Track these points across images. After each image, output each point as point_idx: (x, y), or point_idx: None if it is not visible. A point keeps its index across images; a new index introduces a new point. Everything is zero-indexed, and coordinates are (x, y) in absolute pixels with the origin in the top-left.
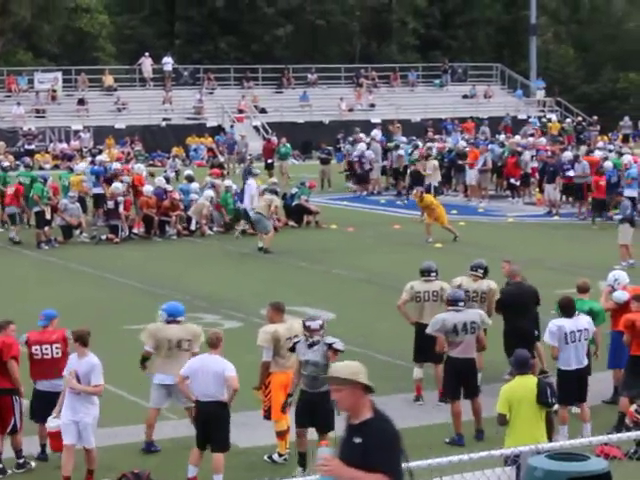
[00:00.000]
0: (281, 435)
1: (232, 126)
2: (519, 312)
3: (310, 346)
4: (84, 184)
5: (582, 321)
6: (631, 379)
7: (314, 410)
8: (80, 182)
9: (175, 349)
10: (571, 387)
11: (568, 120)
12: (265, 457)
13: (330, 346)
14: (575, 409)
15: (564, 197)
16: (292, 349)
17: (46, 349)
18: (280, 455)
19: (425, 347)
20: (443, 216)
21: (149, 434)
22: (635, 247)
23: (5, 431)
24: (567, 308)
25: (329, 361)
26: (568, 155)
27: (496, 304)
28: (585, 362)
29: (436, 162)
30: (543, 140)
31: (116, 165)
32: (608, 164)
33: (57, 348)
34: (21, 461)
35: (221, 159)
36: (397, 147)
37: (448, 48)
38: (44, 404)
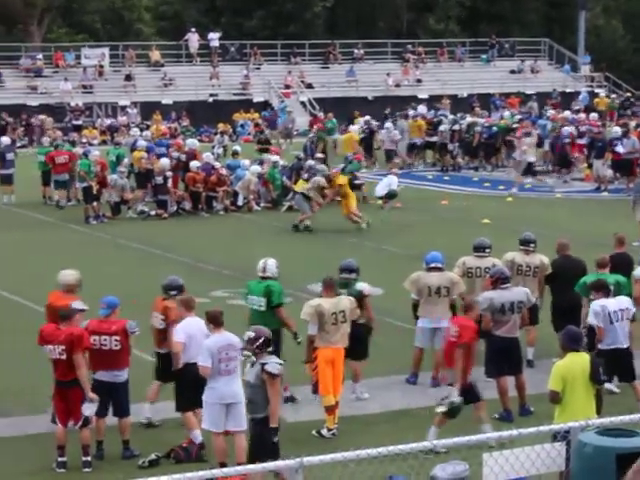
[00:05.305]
0: (329, 410)
1: (282, 101)
2: (568, 285)
3: (252, 365)
4: (143, 160)
5: (623, 301)
6: None
7: (257, 442)
8: (140, 158)
9: (435, 295)
10: (611, 364)
11: (613, 96)
12: (313, 432)
13: (262, 367)
14: (610, 386)
15: (614, 173)
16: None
17: (104, 340)
18: (329, 430)
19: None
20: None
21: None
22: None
23: (77, 424)
24: (602, 288)
25: (265, 385)
26: (617, 131)
27: (545, 277)
28: (627, 343)
29: (533, 139)
30: (595, 115)
31: (141, 143)
32: None
33: (116, 340)
34: (88, 459)
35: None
36: (440, 122)
37: (496, 22)
38: (101, 394)
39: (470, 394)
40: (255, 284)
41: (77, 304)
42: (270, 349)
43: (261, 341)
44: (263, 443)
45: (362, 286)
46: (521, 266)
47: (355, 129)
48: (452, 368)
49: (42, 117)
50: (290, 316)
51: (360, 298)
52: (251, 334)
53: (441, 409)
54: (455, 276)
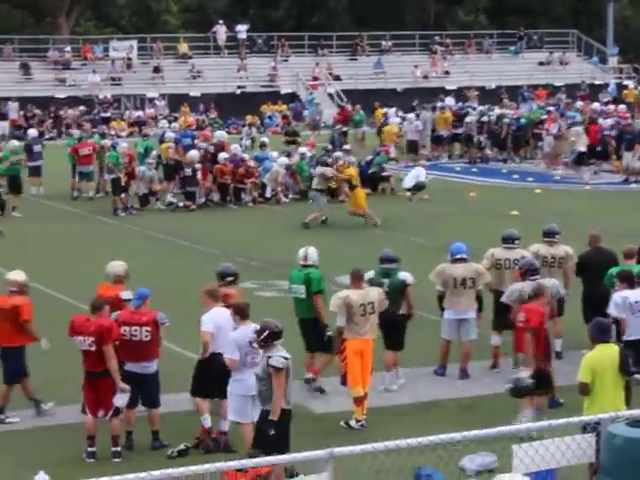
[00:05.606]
0: (358, 401)
1: (311, 93)
2: (599, 277)
3: (261, 357)
4: (170, 150)
5: None
6: None
7: (259, 434)
8: (166, 149)
9: (460, 287)
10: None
11: None
12: (342, 423)
13: (268, 360)
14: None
15: None
16: None
17: (135, 331)
18: (357, 421)
19: (504, 315)
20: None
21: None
22: None
23: (107, 414)
24: (627, 279)
25: (271, 378)
26: None
27: (576, 268)
28: None
29: (580, 128)
30: (623, 107)
31: (170, 134)
32: None
33: (147, 331)
34: (118, 449)
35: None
36: (467, 114)
37: (524, 15)
38: (131, 386)
39: (542, 381)
40: (296, 273)
41: (126, 294)
42: (278, 342)
43: (266, 334)
44: (263, 435)
45: (404, 275)
46: (546, 257)
47: (396, 121)
48: (524, 353)
49: (82, 108)
50: (324, 307)
51: (402, 287)
52: (257, 327)
53: (507, 386)
54: (480, 267)
